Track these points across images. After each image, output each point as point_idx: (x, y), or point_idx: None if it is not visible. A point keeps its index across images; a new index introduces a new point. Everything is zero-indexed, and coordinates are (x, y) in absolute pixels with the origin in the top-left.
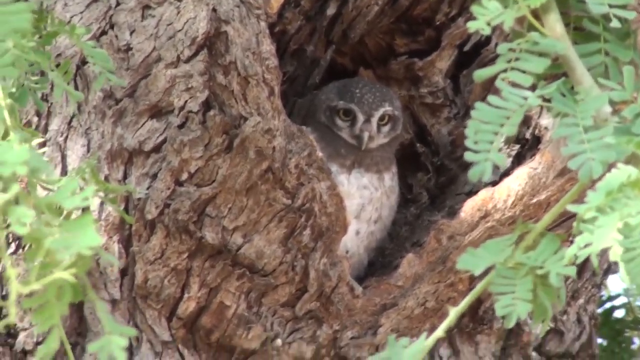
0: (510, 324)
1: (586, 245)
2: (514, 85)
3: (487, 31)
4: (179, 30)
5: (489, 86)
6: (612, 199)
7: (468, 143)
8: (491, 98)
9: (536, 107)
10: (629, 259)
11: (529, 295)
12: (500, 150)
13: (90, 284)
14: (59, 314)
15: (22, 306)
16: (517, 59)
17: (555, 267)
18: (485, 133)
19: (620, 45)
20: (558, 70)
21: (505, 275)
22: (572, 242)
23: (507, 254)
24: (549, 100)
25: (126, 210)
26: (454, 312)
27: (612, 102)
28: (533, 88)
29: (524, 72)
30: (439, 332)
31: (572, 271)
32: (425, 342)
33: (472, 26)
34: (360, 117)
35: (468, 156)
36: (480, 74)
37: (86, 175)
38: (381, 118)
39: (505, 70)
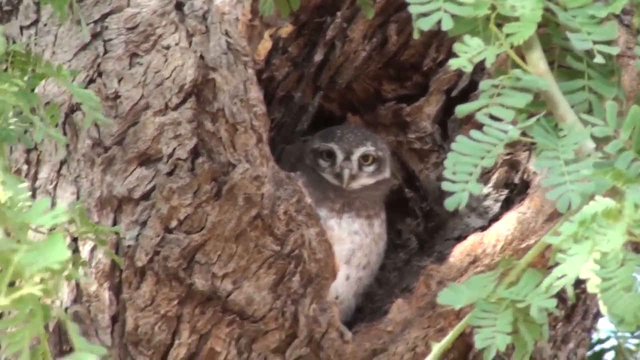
0: (489, 357)
1: (562, 276)
2: (496, 120)
3: (469, 68)
4: (167, 78)
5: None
6: (586, 228)
7: (446, 174)
8: (472, 132)
9: (525, 152)
10: (606, 288)
11: (508, 328)
12: (488, 195)
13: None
14: (30, 335)
15: None
16: (499, 95)
17: (536, 301)
18: (465, 165)
19: (605, 82)
20: (541, 108)
21: (487, 310)
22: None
23: (490, 290)
24: (530, 136)
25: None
26: (437, 348)
27: (595, 139)
28: (515, 123)
29: (506, 107)
30: None
31: (552, 304)
32: None
33: (454, 64)
34: (340, 155)
35: (445, 186)
36: (462, 109)
37: (76, 218)
38: (364, 158)
39: (487, 106)
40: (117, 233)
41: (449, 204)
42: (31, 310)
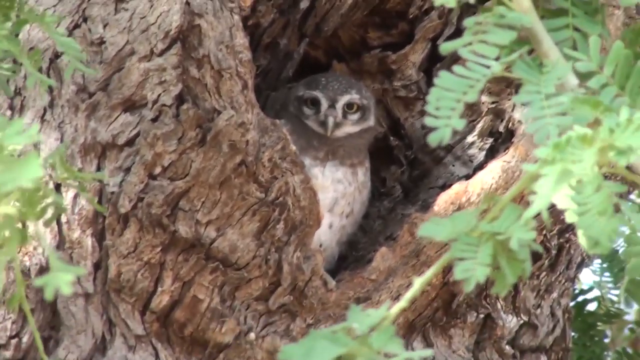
0: (469, 287)
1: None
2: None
3: (452, 4)
4: (152, 24)
5: None
6: (560, 151)
7: (429, 108)
8: (456, 67)
9: (509, 101)
10: (581, 213)
11: (488, 260)
12: (473, 144)
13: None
14: (4, 260)
15: None
16: (483, 32)
17: (516, 233)
18: (448, 100)
19: (589, 20)
20: (525, 46)
21: (468, 243)
22: None
23: (472, 225)
24: (513, 72)
25: (99, 203)
26: (418, 282)
27: (579, 75)
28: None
29: (490, 44)
30: (403, 302)
31: (532, 235)
32: (387, 308)
33: (437, 1)
34: (324, 103)
35: (428, 121)
36: (447, 47)
37: (56, 164)
38: (349, 106)
39: (471, 43)
40: (100, 180)
41: (432, 139)
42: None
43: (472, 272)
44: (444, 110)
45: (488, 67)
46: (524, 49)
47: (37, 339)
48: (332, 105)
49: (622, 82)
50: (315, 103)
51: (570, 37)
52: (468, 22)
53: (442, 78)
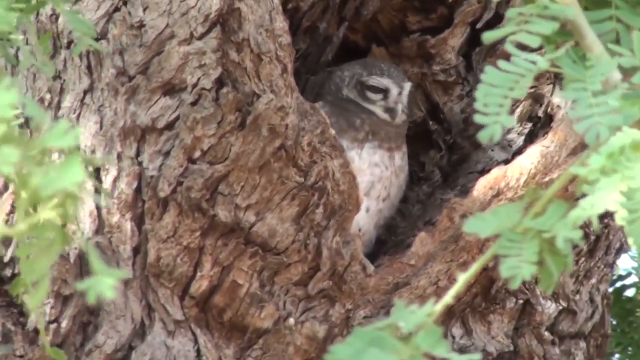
0: (515, 284)
1: (589, 208)
2: (523, 49)
3: None
4: (192, 7)
5: None
6: (614, 161)
7: (478, 106)
8: (501, 62)
9: (549, 85)
10: (632, 220)
11: (535, 258)
12: (512, 128)
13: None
14: (48, 262)
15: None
16: (526, 22)
17: (562, 231)
18: (495, 96)
19: (632, 12)
20: (569, 38)
21: (513, 239)
22: None
23: (516, 220)
24: (558, 67)
25: (139, 188)
26: (462, 278)
27: (622, 69)
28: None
29: (532, 33)
30: (448, 298)
31: (578, 234)
32: (433, 307)
33: None
34: (394, 91)
35: (478, 119)
36: (489, 36)
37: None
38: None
39: (514, 33)
40: (140, 163)
41: (483, 136)
42: (50, 237)
43: (518, 269)
44: (492, 107)
45: (533, 62)
46: (568, 44)
47: (41, 329)
48: (400, 93)
49: None
50: (382, 91)
51: (613, 29)
52: (511, 12)
53: (488, 74)
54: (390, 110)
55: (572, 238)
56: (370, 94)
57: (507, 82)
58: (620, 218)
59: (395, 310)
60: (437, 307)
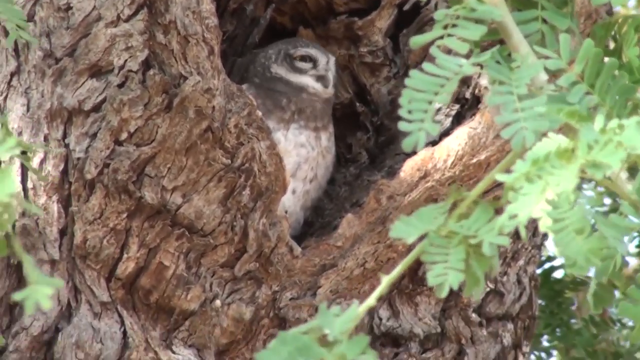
0: (442, 293)
1: (515, 216)
2: (450, 51)
3: None
4: None
5: (429, 46)
6: (539, 168)
7: (402, 112)
8: (426, 65)
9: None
10: (558, 229)
11: (461, 265)
12: (439, 110)
13: (27, 242)
14: None
15: None
16: (453, 26)
17: (488, 236)
18: (420, 102)
19: (558, 13)
20: (496, 37)
21: (438, 244)
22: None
23: (440, 222)
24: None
25: (65, 170)
26: (385, 280)
27: (548, 71)
28: (469, 54)
29: (460, 39)
30: (371, 300)
31: (505, 241)
32: (357, 309)
33: None
34: (322, 59)
35: (402, 126)
36: (416, 41)
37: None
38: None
39: (441, 37)
40: (66, 145)
41: (406, 144)
42: None
43: (445, 277)
44: (416, 113)
45: (459, 65)
46: (495, 48)
47: None
48: (327, 62)
49: (592, 80)
50: (311, 60)
51: (539, 30)
52: (438, 14)
53: (413, 78)
54: (322, 78)
55: (498, 243)
56: (300, 64)
57: (432, 87)
58: (544, 226)
59: (320, 314)
60: (360, 309)
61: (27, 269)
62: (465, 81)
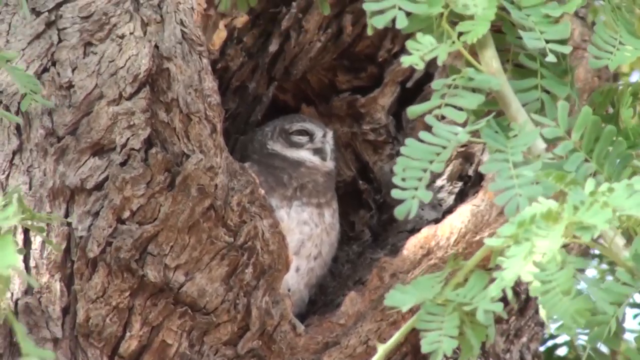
0: (437, 359)
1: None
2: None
3: (420, 66)
4: (121, 67)
5: None
6: (525, 230)
7: (396, 180)
8: (422, 134)
9: (479, 145)
10: (545, 291)
11: (455, 332)
12: (442, 187)
13: (29, 320)
14: None
15: None
16: (452, 95)
17: (482, 304)
18: (414, 170)
19: (557, 81)
20: (494, 107)
21: (433, 312)
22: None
23: (437, 291)
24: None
25: (68, 248)
26: (382, 349)
27: (546, 139)
28: (466, 123)
29: (458, 108)
30: None
31: (499, 307)
32: None
33: (405, 61)
34: (318, 132)
35: (395, 194)
36: (414, 110)
37: (15, 205)
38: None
39: (439, 107)
40: (69, 224)
41: (399, 212)
42: None
43: (438, 344)
44: (410, 181)
45: (455, 133)
46: (490, 116)
47: None
48: (324, 135)
49: (590, 147)
50: (307, 133)
51: (538, 98)
52: (436, 84)
53: (409, 146)
54: (319, 151)
55: (492, 310)
56: (296, 138)
57: (427, 155)
58: (533, 290)
59: None
60: None
61: (20, 340)
62: (468, 158)
